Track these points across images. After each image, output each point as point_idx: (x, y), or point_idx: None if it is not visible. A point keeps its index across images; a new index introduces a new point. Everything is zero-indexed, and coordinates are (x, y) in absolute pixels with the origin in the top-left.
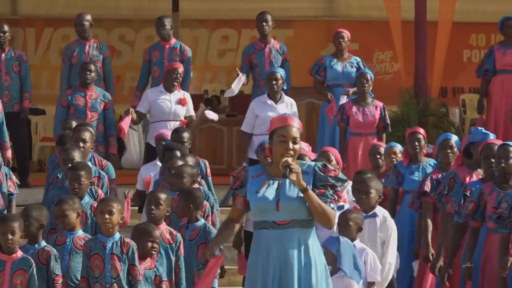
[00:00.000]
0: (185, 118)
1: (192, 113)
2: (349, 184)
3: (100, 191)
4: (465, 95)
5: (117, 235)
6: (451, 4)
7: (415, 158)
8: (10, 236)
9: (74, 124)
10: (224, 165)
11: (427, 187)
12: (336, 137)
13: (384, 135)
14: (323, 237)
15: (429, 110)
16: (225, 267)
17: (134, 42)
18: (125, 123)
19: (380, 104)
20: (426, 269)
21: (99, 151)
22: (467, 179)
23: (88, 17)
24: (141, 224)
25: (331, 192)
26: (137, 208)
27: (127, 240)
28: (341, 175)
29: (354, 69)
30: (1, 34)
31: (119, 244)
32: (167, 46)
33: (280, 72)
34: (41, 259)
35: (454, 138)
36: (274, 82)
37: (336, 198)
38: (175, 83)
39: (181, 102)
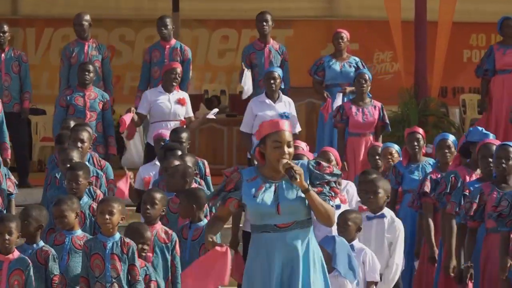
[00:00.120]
0: (184, 118)
1: (191, 114)
2: (348, 184)
3: (98, 192)
4: (465, 95)
5: (117, 235)
6: (451, 4)
7: (414, 158)
8: (7, 236)
9: (72, 123)
10: (224, 165)
11: (427, 187)
12: (334, 137)
13: (381, 135)
14: (320, 236)
15: (429, 110)
16: None
17: (134, 42)
18: (127, 117)
19: (378, 104)
20: (426, 268)
21: (98, 151)
22: (467, 178)
23: (87, 17)
24: (134, 224)
25: (327, 189)
26: (135, 208)
27: (127, 240)
28: (335, 170)
29: (353, 69)
30: (1, 34)
31: (119, 244)
32: (168, 46)
33: (278, 71)
34: (39, 259)
35: (451, 138)
36: (272, 81)
37: (333, 195)
38: (174, 83)
39: (181, 102)
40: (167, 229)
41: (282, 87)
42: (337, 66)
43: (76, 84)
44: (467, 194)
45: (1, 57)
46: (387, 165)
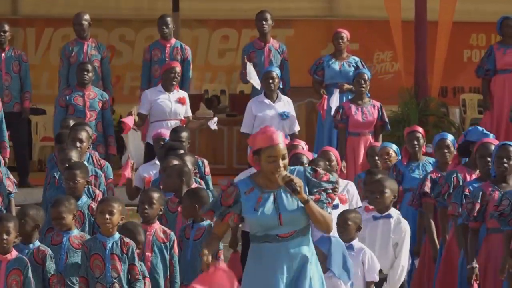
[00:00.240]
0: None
1: (190, 114)
2: (348, 184)
3: (97, 191)
4: (465, 95)
5: (117, 235)
6: (451, 4)
7: (414, 157)
8: (5, 236)
9: (72, 123)
10: (224, 165)
11: (427, 187)
12: (333, 135)
13: (380, 135)
14: (316, 235)
15: (429, 110)
16: None
17: (134, 42)
18: (129, 120)
19: (377, 103)
20: (426, 267)
21: (99, 151)
22: (467, 177)
23: (87, 16)
24: (128, 225)
25: (324, 195)
26: (135, 208)
27: (127, 240)
28: (331, 178)
29: (352, 68)
30: (2, 34)
31: (119, 244)
32: (168, 45)
33: (276, 71)
34: (36, 258)
35: (450, 138)
36: (270, 81)
37: (330, 201)
38: (174, 82)
39: (181, 101)
40: (165, 228)
41: (281, 86)
42: (336, 65)
43: (75, 84)
44: (468, 194)
45: (1, 56)
46: (384, 165)
